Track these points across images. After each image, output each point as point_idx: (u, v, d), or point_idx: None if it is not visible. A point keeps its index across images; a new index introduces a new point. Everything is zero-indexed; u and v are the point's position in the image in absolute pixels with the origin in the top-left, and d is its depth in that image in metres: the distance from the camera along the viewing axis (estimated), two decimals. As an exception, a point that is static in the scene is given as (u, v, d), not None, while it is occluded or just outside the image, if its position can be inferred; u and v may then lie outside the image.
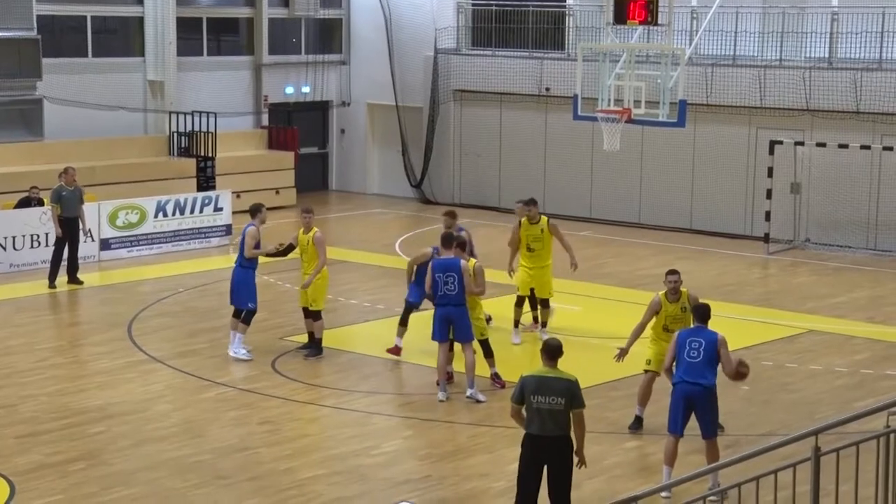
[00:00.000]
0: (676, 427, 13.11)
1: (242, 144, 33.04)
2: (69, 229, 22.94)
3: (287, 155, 33.05)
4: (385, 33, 34.15)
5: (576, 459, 11.46)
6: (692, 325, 13.41)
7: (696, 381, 12.95)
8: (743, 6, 28.41)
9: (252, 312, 18.29)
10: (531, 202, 19.29)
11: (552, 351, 11.43)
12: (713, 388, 13.13)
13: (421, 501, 12.96)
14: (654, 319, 14.93)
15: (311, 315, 18.32)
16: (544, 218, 19.27)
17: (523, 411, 11.41)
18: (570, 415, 11.27)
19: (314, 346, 18.39)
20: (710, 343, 13.06)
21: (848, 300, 22.70)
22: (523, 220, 19.15)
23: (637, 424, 15.14)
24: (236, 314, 18.34)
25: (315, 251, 18.08)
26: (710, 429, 13.18)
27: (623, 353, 15.05)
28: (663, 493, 12.76)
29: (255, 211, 18.63)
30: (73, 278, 23.07)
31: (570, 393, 11.23)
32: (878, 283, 24.33)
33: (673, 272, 14.93)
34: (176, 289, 23.03)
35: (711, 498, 11.11)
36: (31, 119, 29.73)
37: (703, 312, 13.38)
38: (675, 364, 13.17)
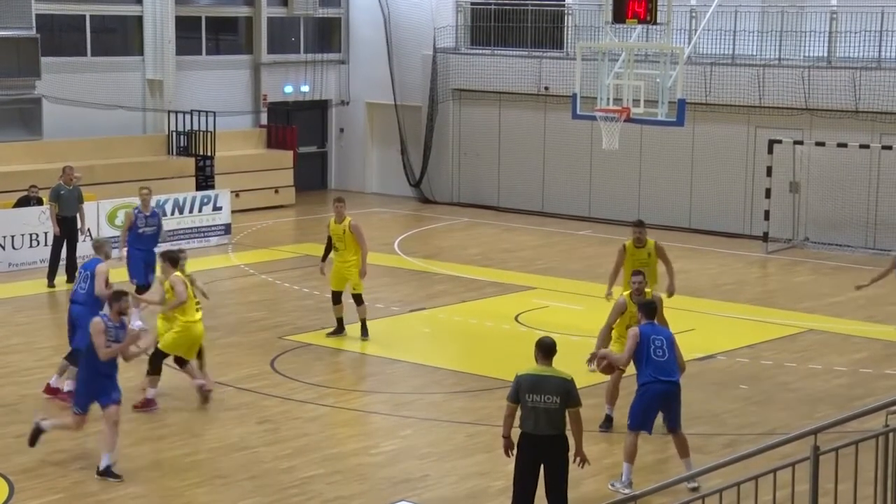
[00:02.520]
0: (646, 426, 13.22)
1: (241, 143, 33.04)
2: (67, 228, 22.94)
3: (286, 154, 33.06)
4: (384, 32, 34.15)
5: (577, 459, 11.42)
6: (643, 322, 13.38)
7: (669, 378, 13.10)
8: (742, 5, 28.41)
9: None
10: (639, 224, 17.72)
11: (547, 349, 11.36)
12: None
13: (420, 500, 12.97)
14: (618, 320, 15.03)
15: (355, 299, 19.15)
16: (651, 241, 17.66)
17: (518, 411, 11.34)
18: (567, 413, 11.23)
19: (363, 329, 19.21)
20: (670, 340, 13.25)
21: (847, 299, 22.69)
22: (628, 243, 17.62)
23: (608, 424, 15.17)
24: None
25: (353, 238, 18.93)
26: (679, 420, 13.39)
27: (594, 357, 14.73)
28: (621, 488, 12.98)
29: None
30: (72, 277, 23.04)
31: (566, 391, 11.18)
32: (877, 282, 24.30)
33: (637, 272, 15.11)
34: (175, 288, 22.97)
35: (691, 485, 11.70)
36: (29, 118, 29.73)
37: (652, 309, 13.52)
38: (636, 362, 13.24)
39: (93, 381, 13.42)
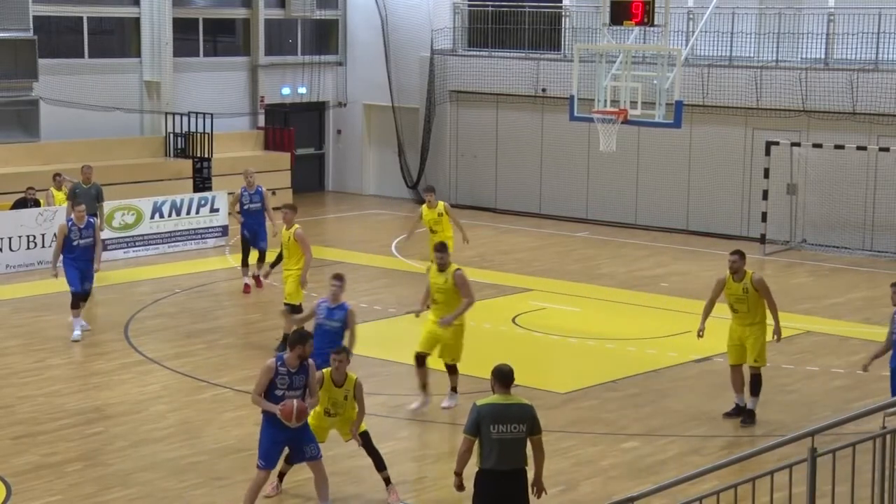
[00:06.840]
0: None
1: (239, 145, 33.04)
2: None
3: (283, 156, 33.06)
4: (381, 34, 34.17)
5: (534, 488, 10.71)
6: None
7: None
8: (739, 7, 28.43)
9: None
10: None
11: (506, 376, 10.53)
12: None
13: (417, 502, 12.97)
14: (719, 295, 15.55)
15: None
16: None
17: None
18: (529, 442, 10.53)
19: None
20: None
21: (844, 301, 22.71)
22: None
23: (750, 417, 15.44)
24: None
25: (297, 246, 18.59)
26: None
27: (700, 331, 15.57)
28: None
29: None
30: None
31: (531, 417, 10.51)
32: (874, 284, 24.32)
33: (734, 252, 15.51)
34: (172, 290, 23.03)
35: None
36: (27, 120, 29.73)
37: None
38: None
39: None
